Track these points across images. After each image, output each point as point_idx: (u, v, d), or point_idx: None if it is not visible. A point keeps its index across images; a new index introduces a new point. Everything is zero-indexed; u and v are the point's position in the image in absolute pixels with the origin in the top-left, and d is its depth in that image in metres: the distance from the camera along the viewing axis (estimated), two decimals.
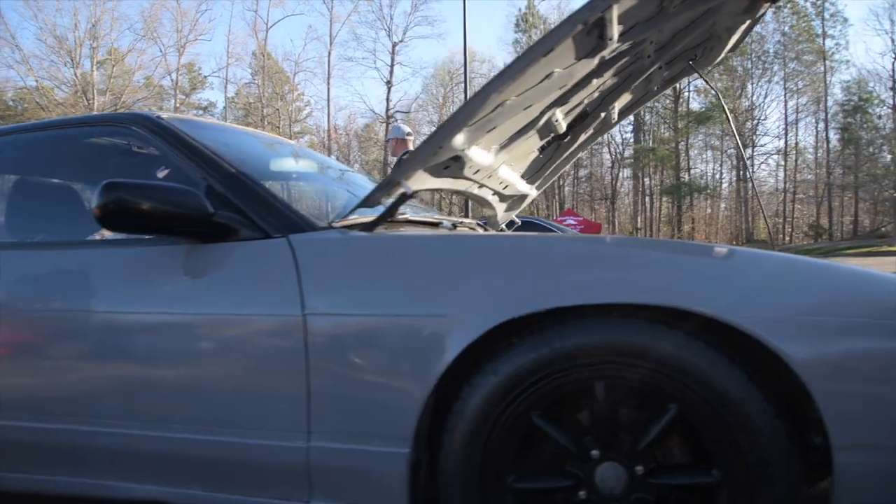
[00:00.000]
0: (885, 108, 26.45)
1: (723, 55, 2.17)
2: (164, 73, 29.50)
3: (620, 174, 33.00)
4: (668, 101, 29.00)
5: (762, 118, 28.58)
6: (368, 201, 1.45)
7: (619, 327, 1.16)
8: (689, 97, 29.25)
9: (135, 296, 1.49)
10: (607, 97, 2.11)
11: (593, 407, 1.19)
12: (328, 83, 35.01)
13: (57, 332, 1.56)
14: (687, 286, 1.18)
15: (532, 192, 2.59)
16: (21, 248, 1.79)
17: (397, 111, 32.13)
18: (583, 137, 2.39)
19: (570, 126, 2.10)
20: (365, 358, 1.28)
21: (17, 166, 2.17)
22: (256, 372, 1.36)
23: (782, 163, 29.46)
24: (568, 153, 2.48)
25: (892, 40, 25.77)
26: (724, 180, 31.36)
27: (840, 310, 1.13)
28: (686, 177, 28.08)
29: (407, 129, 4.52)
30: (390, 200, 1.45)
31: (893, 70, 26.25)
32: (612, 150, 31.89)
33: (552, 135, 2.01)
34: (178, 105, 30.46)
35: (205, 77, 32.78)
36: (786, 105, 29.11)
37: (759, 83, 28.69)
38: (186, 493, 1.42)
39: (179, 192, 1.38)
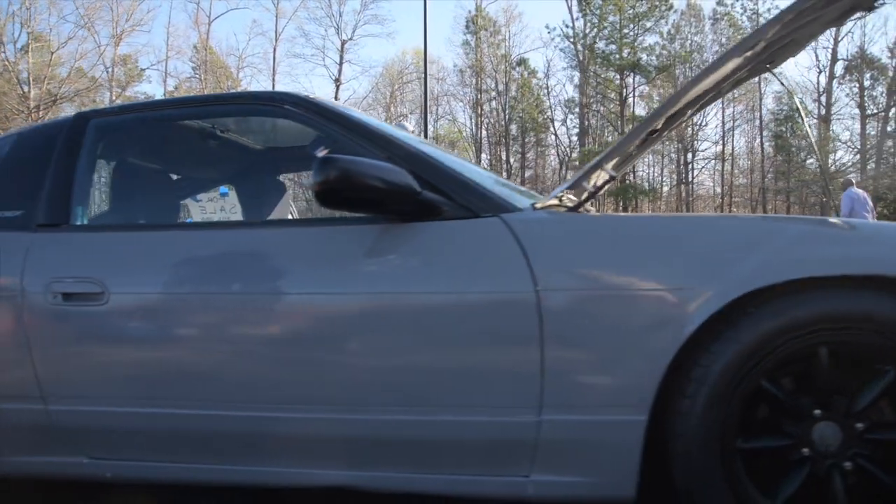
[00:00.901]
0: (812, 118, 28.04)
1: (791, 57, 2.27)
2: (97, 64, 28.04)
3: (567, 176, 33.75)
4: (613, 105, 29.88)
5: (703, 124, 29.80)
6: (576, 184, 1.51)
7: (849, 296, 1.26)
8: (633, 102, 30.17)
9: (337, 276, 1.46)
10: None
11: (815, 370, 1.28)
12: (273, 80, 34.29)
13: (243, 316, 1.52)
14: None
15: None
16: (197, 229, 1.76)
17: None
18: (665, 133, 2.50)
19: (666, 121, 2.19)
20: (603, 330, 1.33)
21: (156, 144, 2.12)
22: (484, 349, 1.38)
23: (719, 168, 30.89)
24: (650, 144, 2.59)
25: (816, 55, 27.37)
26: (665, 183, 32.52)
27: None
28: (630, 179, 28.94)
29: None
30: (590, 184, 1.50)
31: (818, 83, 28.00)
32: (559, 151, 32.61)
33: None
34: (113, 98, 29.15)
35: (142, 70, 31.50)
36: (723, 113, 30.47)
37: None
38: (382, 476, 1.43)
39: (392, 171, 1.38)
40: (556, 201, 1.51)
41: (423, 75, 33.50)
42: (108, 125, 1.91)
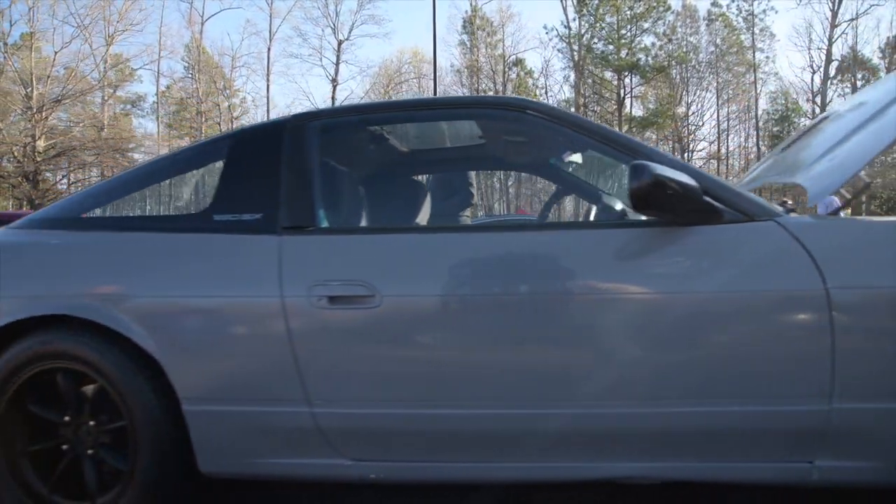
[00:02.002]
0: (805, 118, 28.47)
1: None
2: (90, 64, 27.67)
3: None
4: (609, 105, 30.12)
5: (699, 124, 30.13)
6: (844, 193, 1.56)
7: None
8: (630, 102, 30.39)
9: (627, 277, 1.50)
10: None
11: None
12: (268, 80, 34.14)
13: (528, 317, 1.51)
14: None
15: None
16: (473, 231, 1.79)
17: None
18: None
19: None
20: (889, 323, 1.41)
21: (380, 146, 2.15)
22: (775, 343, 1.44)
23: (714, 167, 31.24)
24: None
25: (811, 56, 27.81)
26: None
27: None
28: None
29: None
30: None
31: (812, 83, 28.46)
32: None
33: None
34: (106, 98, 28.81)
35: (133, 70, 31.15)
36: (718, 113, 30.85)
37: (695, 91, 30.29)
38: (667, 466, 1.48)
39: (684, 176, 1.45)
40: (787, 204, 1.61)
41: (419, 75, 33.69)
42: (331, 127, 1.92)
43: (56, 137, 23.20)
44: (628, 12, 28.00)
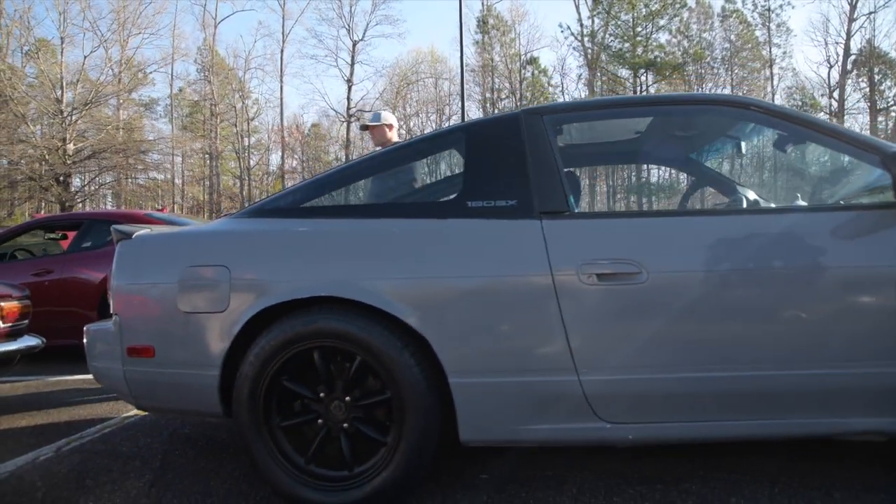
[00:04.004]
0: (823, 113, 28.50)
1: None
2: (103, 68, 27.88)
3: None
4: None
5: None
6: None
7: None
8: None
9: (872, 252, 1.66)
10: None
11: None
12: (281, 81, 34.32)
13: (782, 289, 1.65)
14: None
15: None
16: (730, 214, 1.98)
17: (359, 110, 31.89)
18: None
19: None
20: None
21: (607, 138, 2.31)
22: None
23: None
24: None
25: (827, 51, 27.80)
26: (680, 181, 32.95)
27: None
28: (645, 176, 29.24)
29: (386, 115, 4.25)
30: None
31: (829, 78, 28.50)
32: None
33: None
34: (121, 102, 29.03)
35: (146, 73, 31.34)
36: None
37: (709, 88, 30.36)
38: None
39: None
40: None
41: (435, 75, 33.82)
42: (563, 120, 2.09)
43: (85, 141, 23.47)
44: (644, 10, 28.10)
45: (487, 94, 32.01)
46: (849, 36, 27.27)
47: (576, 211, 1.86)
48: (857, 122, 27.69)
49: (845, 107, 27.57)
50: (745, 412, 1.68)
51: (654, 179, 26.39)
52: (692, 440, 1.75)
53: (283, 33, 33.81)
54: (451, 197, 1.96)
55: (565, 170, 2.64)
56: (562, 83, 32.59)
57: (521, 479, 1.96)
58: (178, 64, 33.49)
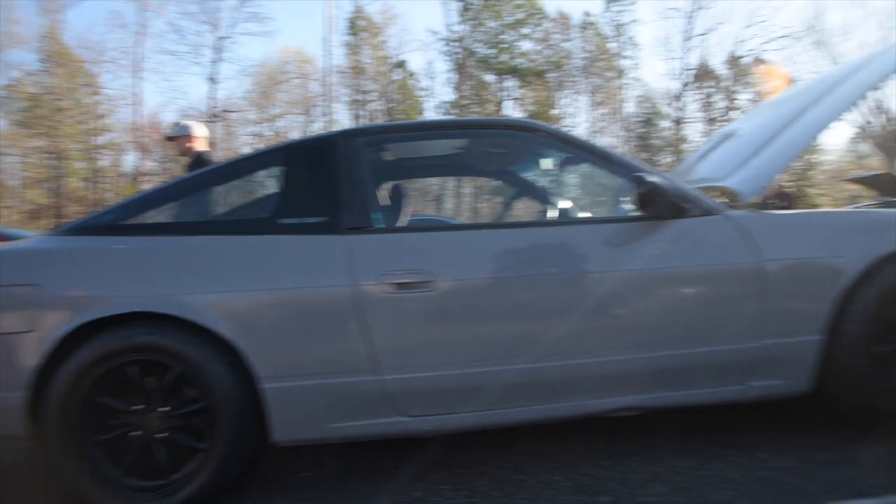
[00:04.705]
0: (667, 121, 31.20)
1: None
2: None
3: None
4: (490, 107, 31.34)
5: (574, 126, 32.04)
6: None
7: None
8: (510, 105, 31.75)
9: (628, 258, 1.98)
10: None
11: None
12: (136, 75, 32.25)
13: (556, 292, 1.95)
14: None
15: None
16: (508, 228, 2.20)
17: (224, 110, 30.68)
18: None
19: None
20: (798, 281, 2.00)
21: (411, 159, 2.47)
22: (732, 302, 1.97)
23: None
24: None
25: (669, 65, 30.50)
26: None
27: None
28: None
29: (193, 125, 4.32)
30: None
31: (672, 89, 31.27)
32: None
33: None
34: None
35: None
36: (590, 115, 33.03)
37: (570, 94, 32.30)
38: (657, 396, 1.96)
39: (668, 183, 1.99)
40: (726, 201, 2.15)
41: (303, 76, 33.24)
42: (374, 143, 2.31)
43: None
44: (511, 19, 29.31)
45: (356, 97, 31.96)
46: (686, 53, 30.02)
47: (379, 226, 2.06)
48: (695, 130, 30.56)
49: (685, 115, 30.37)
50: (527, 399, 1.95)
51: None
52: (485, 427, 1.99)
53: (140, 25, 31.72)
54: (266, 215, 2.10)
55: (394, 183, 2.86)
56: (426, 87, 33.14)
57: (337, 475, 2.10)
58: (14, 52, 30.39)
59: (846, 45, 25.10)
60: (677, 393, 1.97)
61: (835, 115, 2.28)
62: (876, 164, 26.86)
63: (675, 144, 29.41)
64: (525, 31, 29.91)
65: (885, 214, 2.20)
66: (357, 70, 32.06)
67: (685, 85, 30.47)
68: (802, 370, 1.97)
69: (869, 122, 25.94)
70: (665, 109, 31.28)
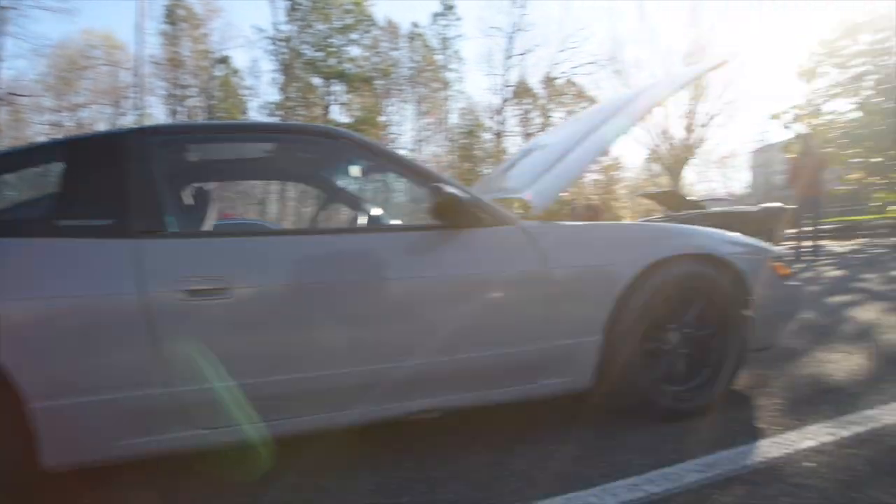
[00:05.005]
0: (489, 133, 32.90)
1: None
2: None
3: None
4: (317, 111, 30.88)
5: (399, 134, 32.61)
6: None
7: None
8: (336, 109, 31.52)
9: (429, 266, 2.03)
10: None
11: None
12: None
13: (357, 298, 1.94)
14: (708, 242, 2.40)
15: None
16: (311, 234, 2.10)
17: (9, 93, 27.04)
18: None
19: None
20: (580, 287, 2.11)
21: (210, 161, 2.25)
22: (509, 306, 2.05)
23: None
24: None
25: (491, 81, 32.26)
26: None
27: None
28: None
29: None
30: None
31: (495, 104, 33.05)
32: None
33: None
34: None
35: None
36: (415, 124, 33.83)
37: (396, 103, 32.82)
38: (454, 397, 1.99)
39: (462, 194, 2.05)
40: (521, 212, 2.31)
41: (114, 63, 30.28)
42: (172, 142, 2.14)
43: None
44: (338, 23, 29.08)
45: (174, 91, 29.85)
46: (507, 70, 31.90)
47: (173, 230, 1.91)
48: (514, 143, 32.54)
49: (505, 129, 32.26)
50: (329, 406, 1.92)
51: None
52: (287, 435, 1.93)
53: None
54: (43, 215, 1.88)
55: (197, 186, 2.70)
56: (253, 85, 31.91)
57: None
58: None
59: (639, 76, 28.18)
60: (475, 393, 2.06)
61: (616, 136, 2.55)
62: (664, 181, 30.47)
63: (496, 156, 31.03)
64: (353, 36, 29.87)
65: (654, 227, 2.50)
66: (175, 62, 29.98)
67: (505, 100, 32.36)
68: (585, 368, 2.17)
69: (657, 145, 29.40)
70: (487, 122, 32.99)
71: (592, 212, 19.72)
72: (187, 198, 2.59)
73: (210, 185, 2.80)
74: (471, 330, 2.04)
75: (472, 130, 33.14)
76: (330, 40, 29.08)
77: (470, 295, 2.06)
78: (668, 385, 2.29)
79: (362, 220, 2.93)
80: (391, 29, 32.84)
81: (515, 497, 1.76)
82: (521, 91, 32.65)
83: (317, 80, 30.44)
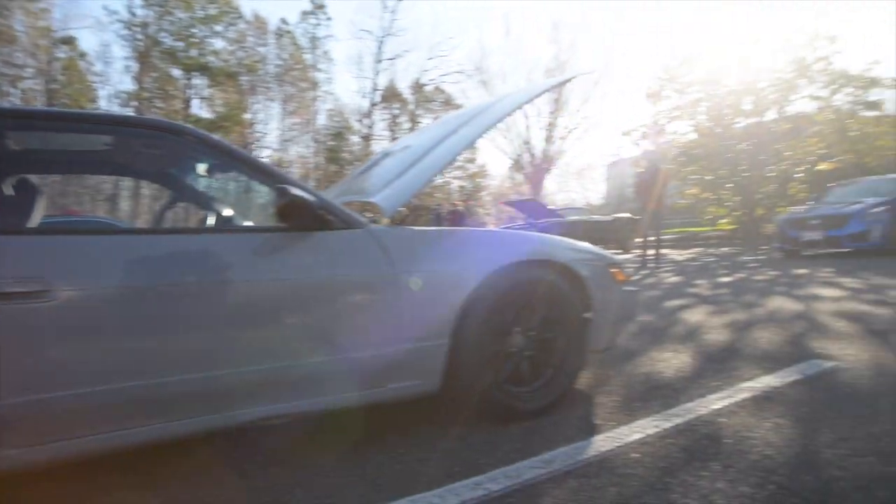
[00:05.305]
0: (357, 136, 32.69)
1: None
2: None
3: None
4: (176, 104, 29.14)
5: (265, 133, 31.53)
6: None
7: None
8: (197, 104, 29.96)
9: (276, 268, 1.95)
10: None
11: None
12: None
13: (196, 302, 1.82)
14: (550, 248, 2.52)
15: None
16: (148, 234, 1.87)
17: None
18: None
19: None
20: (428, 291, 2.09)
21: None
22: (356, 310, 2.02)
23: None
24: None
25: (362, 83, 32.11)
26: None
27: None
28: None
29: None
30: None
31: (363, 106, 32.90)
32: None
33: None
34: None
35: None
36: (282, 123, 32.89)
37: (263, 100, 31.70)
38: (303, 402, 1.95)
39: (310, 196, 2.01)
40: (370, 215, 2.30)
41: None
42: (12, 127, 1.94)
43: None
44: (201, 13, 27.60)
45: (5, 70, 26.82)
46: (376, 74, 31.90)
47: None
48: (382, 147, 32.54)
49: (373, 132, 32.20)
50: (160, 417, 1.78)
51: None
52: (114, 449, 1.77)
53: None
54: None
55: (20, 178, 2.44)
56: (103, 71, 29.52)
57: None
58: None
59: (504, 87, 29.32)
60: (323, 398, 2.02)
61: (466, 145, 2.62)
62: (526, 190, 31.88)
63: (363, 159, 30.89)
64: (217, 28, 28.52)
65: (500, 234, 2.59)
66: (7, 37, 26.98)
67: (374, 104, 32.33)
68: (434, 371, 2.20)
69: (520, 155, 30.72)
70: (355, 125, 32.76)
71: (456, 217, 20.24)
72: (8, 189, 2.32)
73: (35, 178, 2.53)
74: (317, 334, 2.01)
75: (339, 133, 32.77)
76: (192, 30, 27.55)
77: (315, 299, 2.02)
78: (513, 386, 2.38)
79: (211, 220, 2.79)
80: (259, 24, 31.72)
81: (360, 501, 1.75)
82: (391, 95, 32.80)
83: (176, 72, 28.73)
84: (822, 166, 17.88)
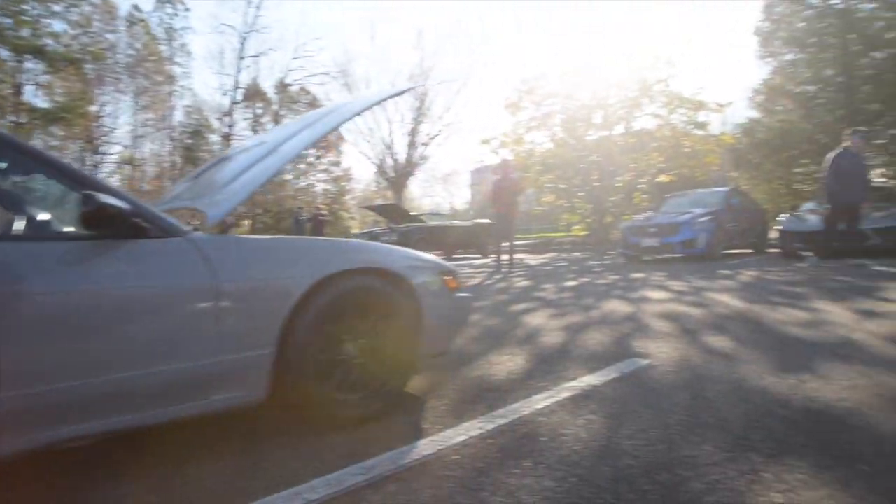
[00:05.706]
0: (216, 135, 31.23)
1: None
2: None
3: None
4: (5, 89, 26.26)
5: (113, 127, 29.23)
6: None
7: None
8: (30, 90, 27.21)
9: (84, 278, 1.83)
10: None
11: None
12: None
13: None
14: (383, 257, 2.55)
15: None
16: None
17: None
18: None
19: None
20: (252, 301, 2.07)
21: None
22: (174, 321, 1.98)
23: (128, 172, 30.93)
24: None
25: (221, 81, 30.75)
26: None
27: None
28: None
29: None
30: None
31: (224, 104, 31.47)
32: None
33: None
34: None
35: None
36: (133, 118, 30.68)
37: (112, 92, 29.35)
38: (118, 420, 1.86)
39: (122, 203, 1.90)
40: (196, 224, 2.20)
41: None
42: None
43: None
44: None
45: None
46: (238, 71, 30.65)
47: None
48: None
49: (234, 132, 30.88)
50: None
51: None
52: None
53: None
54: None
55: None
56: None
57: None
58: None
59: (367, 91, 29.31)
60: (137, 414, 1.90)
61: (299, 151, 2.59)
62: (391, 195, 32.03)
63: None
64: (56, 8, 26.00)
65: (330, 242, 2.59)
66: None
67: (235, 102, 31.02)
68: (259, 381, 2.14)
69: (382, 160, 30.82)
70: (215, 123, 31.26)
71: (318, 223, 19.93)
72: None
73: None
74: (133, 347, 1.89)
75: (198, 130, 31.12)
76: (23, 6, 24.86)
77: (123, 310, 1.90)
78: (343, 393, 2.38)
79: (18, 226, 2.53)
80: (107, 8, 29.35)
81: None
82: (253, 94, 31.64)
83: (4, 53, 25.85)
84: (662, 178, 19.60)
